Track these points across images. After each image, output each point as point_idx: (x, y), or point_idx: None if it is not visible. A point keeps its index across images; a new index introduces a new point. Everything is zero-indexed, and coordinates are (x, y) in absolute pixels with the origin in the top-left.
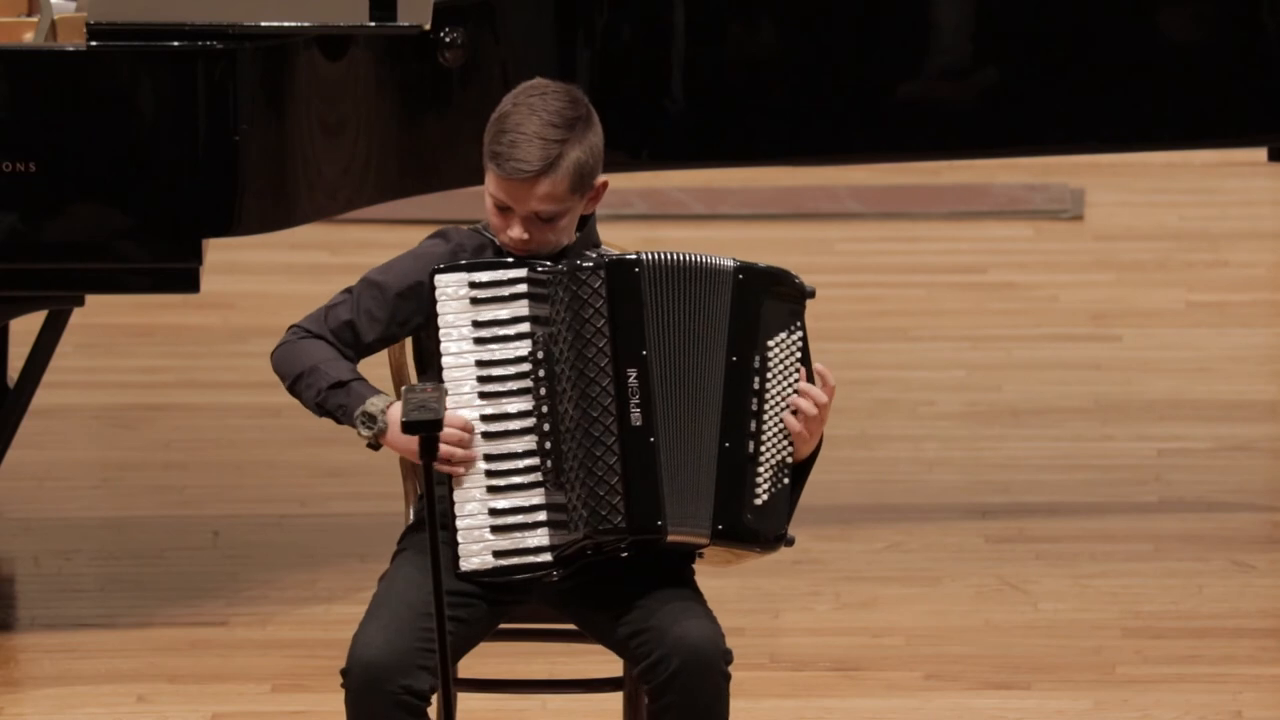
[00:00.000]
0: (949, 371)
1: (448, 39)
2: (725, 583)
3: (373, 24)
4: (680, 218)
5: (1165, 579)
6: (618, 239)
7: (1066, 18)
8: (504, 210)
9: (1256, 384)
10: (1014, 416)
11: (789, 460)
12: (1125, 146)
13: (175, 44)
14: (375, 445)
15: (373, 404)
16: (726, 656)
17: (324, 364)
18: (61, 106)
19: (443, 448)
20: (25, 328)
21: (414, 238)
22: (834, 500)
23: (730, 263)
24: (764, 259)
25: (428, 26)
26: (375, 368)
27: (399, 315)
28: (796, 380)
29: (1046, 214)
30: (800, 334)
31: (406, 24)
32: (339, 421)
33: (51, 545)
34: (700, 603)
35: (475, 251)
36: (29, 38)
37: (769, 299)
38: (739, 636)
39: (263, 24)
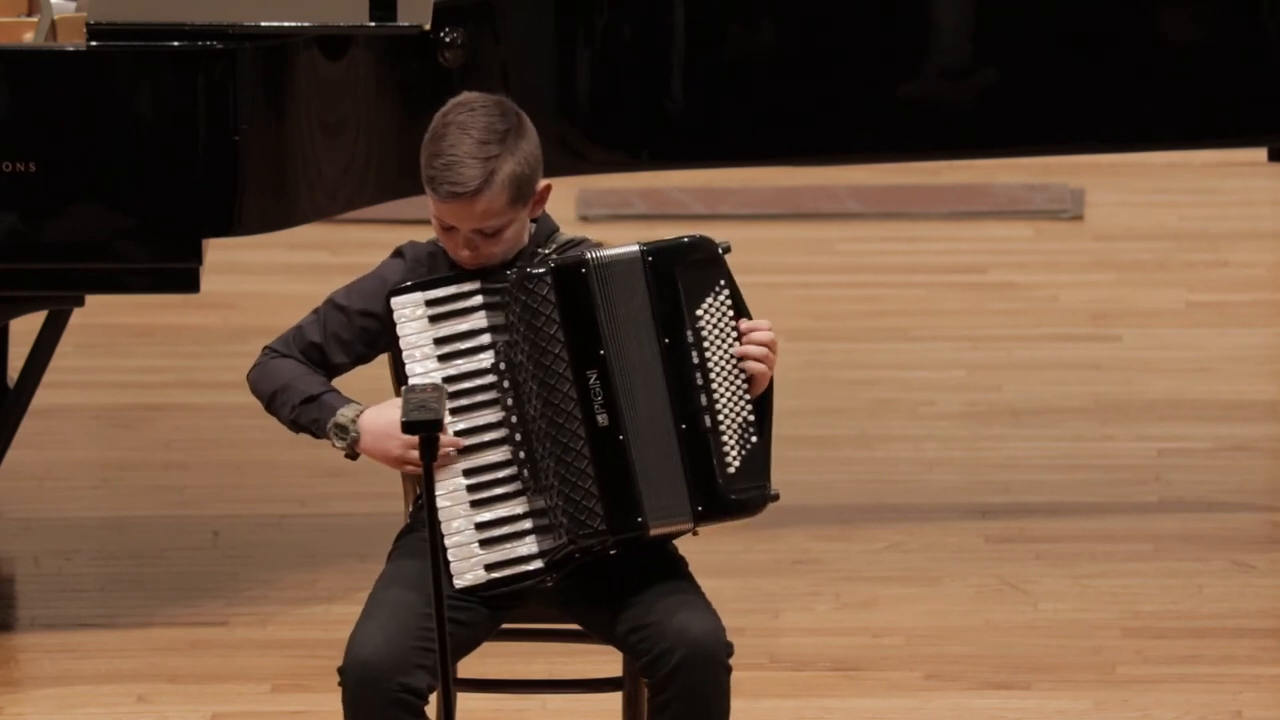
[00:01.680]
0: (949, 371)
1: (448, 39)
2: (725, 583)
3: (373, 24)
4: (680, 218)
5: (1165, 579)
6: (618, 239)
7: (1067, 18)
8: (449, 230)
9: (1256, 384)
10: (1014, 416)
11: (751, 418)
12: (1125, 146)
13: (175, 44)
14: (352, 455)
15: (343, 415)
16: (728, 649)
17: (294, 380)
18: (61, 106)
19: (413, 454)
20: (25, 328)
21: (413, 238)
22: (834, 500)
23: (635, 247)
24: (764, 259)
25: (428, 26)
26: (375, 367)
27: (366, 337)
28: (736, 340)
29: (1046, 214)
30: (726, 293)
31: (406, 24)
32: (315, 436)
33: (51, 545)
34: (699, 595)
35: (431, 263)
36: (29, 38)
37: (684, 269)
38: (739, 636)
39: (263, 24)
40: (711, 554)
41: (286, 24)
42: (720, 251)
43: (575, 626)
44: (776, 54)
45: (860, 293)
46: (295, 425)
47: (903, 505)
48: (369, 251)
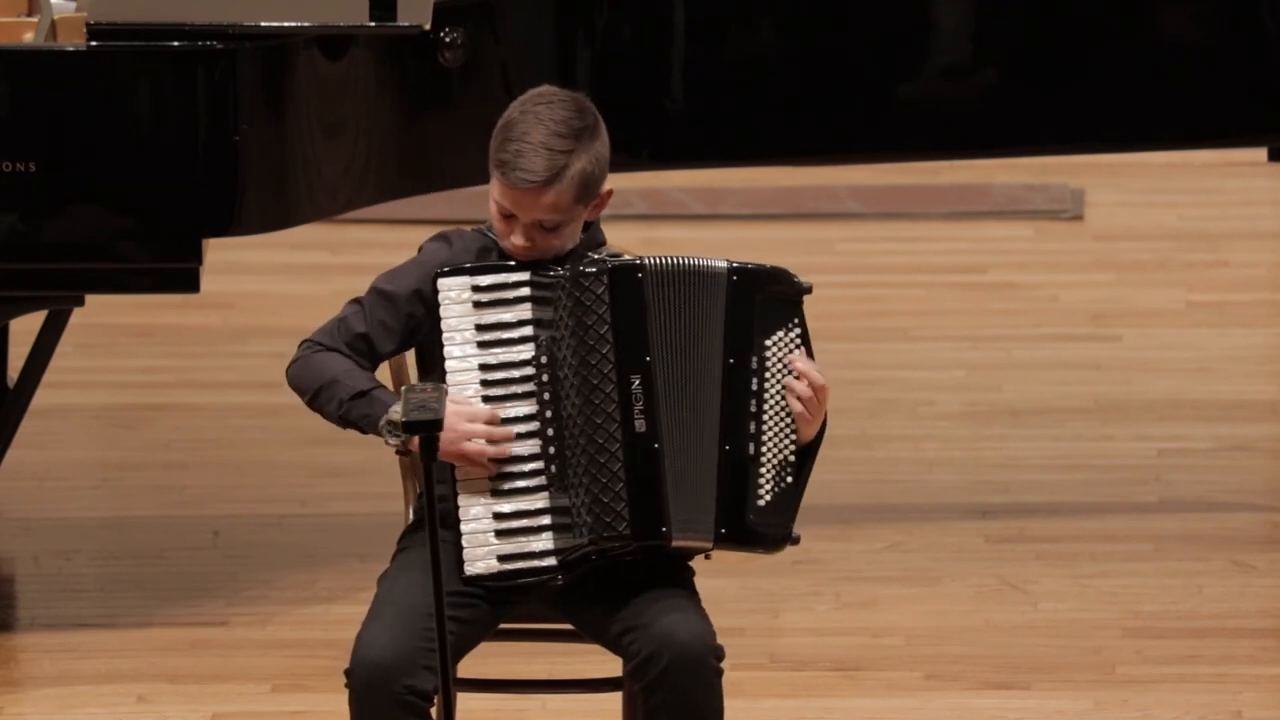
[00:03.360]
0: (949, 371)
1: (448, 39)
2: (725, 583)
3: (373, 24)
4: (680, 218)
5: (1165, 579)
6: (617, 239)
7: (1066, 18)
8: (508, 217)
9: (1256, 384)
10: (1014, 416)
11: (791, 458)
12: (1125, 146)
13: (175, 44)
14: (405, 451)
15: (397, 411)
16: (716, 653)
17: (343, 376)
18: (61, 106)
19: (471, 445)
20: (25, 328)
21: (414, 237)
22: (834, 500)
23: (723, 264)
24: (764, 259)
25: (428, 26)
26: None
27: (411, 323)
28: (797, 378)
29: (1046, 214)
30: (798, 331)
31: (406, 24)
32: (364, 431)
33: (51, 545)
34: (691, 600)
35: (479, 255)
36: (29, 38)
37: (764, 298)
38: (739, 636)
39: (263, 24)
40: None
41: (286, 24)
42: (803, 288)
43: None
44: (776, 54)
45: (860, 293)
46: (344, 421)
47: (903, 505)
48: (369, 251)
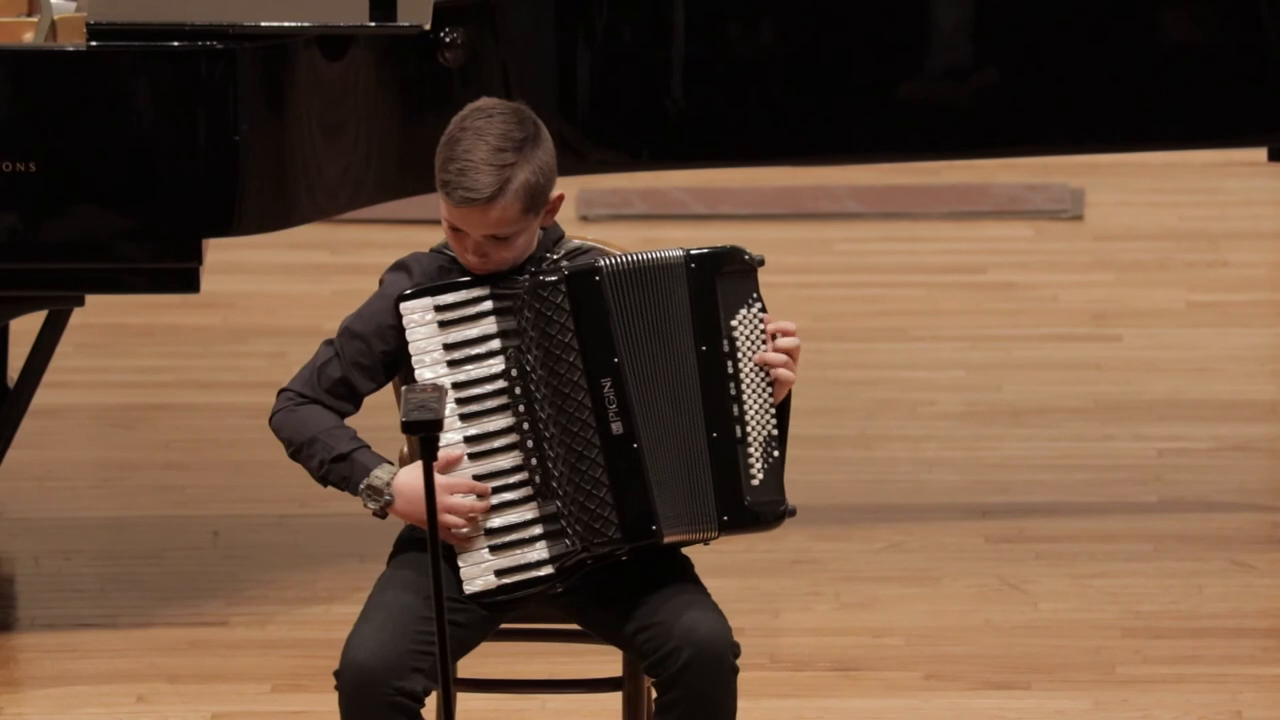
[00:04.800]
0: (949, 371)
1: (448, 39)
2: (725, 582)
3: (373, 24)
4: (680, 218)
5: (1165, 579)
6: (618, 239)
7: (1066, 18)
8: (459, 233)
9: (1256, 384)
10: (1014, 416)
11: (774, 432)
12: (1125, 146)
13: (175, 44)
14: (382, 515)
15: (376, 477)
16: (734, 649)
17: (323, 434)
18: (61, 106)
19: (449, 518)
20: (25, 328)
21: (413, 238)
22: (834, 500)
23: (679, 252)
24: (764, 259)
25: (428, 26)
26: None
27: (387, 359)
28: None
29: (1046, 214)
30: (759, 305)
31: (406, 24)
32: (342, 490)
33: (51, 545)
34: (706, 595)
35: (439, 275)
36: (29, 38)
37: (723, 279)
38: (739, 636)
39: (263, 24)
40: (712, 554)
41: (286, 24)
42: (756, 262)
43: (575, 626)
44: (776, 54)
45: (860, 293)
46: (324, 481)
47: (903, 505)
48: (369, 251)
